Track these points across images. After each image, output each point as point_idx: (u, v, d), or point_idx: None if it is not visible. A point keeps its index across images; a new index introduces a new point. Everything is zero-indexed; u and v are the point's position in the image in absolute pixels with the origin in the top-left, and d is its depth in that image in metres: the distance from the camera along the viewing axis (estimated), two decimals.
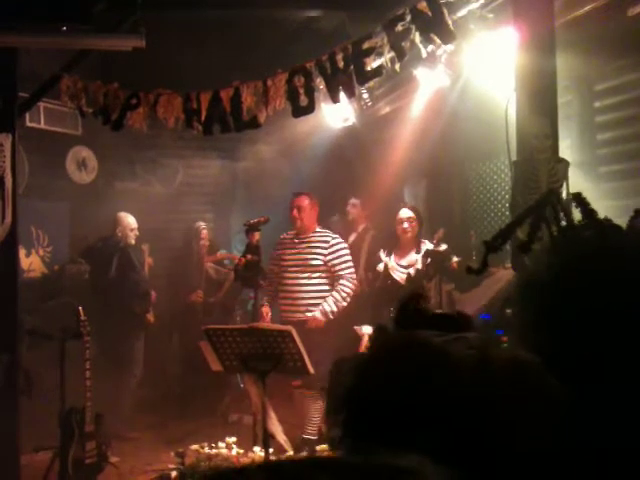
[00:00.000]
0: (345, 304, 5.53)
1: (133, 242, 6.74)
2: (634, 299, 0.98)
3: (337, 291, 5.53)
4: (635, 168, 5.12)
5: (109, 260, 6.54)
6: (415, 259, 5.57)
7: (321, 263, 5.54)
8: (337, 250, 5.59)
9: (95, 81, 5.13)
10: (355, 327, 5.24)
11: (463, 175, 6.12)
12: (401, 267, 5.65)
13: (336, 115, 6.45)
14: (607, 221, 1.29)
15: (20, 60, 5.07)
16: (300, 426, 5.53)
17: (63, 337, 4.99)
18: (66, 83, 5.12)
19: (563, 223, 1.60)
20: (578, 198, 1.51)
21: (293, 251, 5.65)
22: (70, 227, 7.42)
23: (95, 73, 5.35)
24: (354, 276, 5.65)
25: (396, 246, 5.75)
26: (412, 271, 5.54)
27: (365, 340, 5.01)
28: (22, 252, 6.63)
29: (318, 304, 5.53)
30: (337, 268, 5.56)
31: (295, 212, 5.66)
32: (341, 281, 5.54)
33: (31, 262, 6.94)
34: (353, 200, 6.94)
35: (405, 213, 5.76)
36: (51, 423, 4.92)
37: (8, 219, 4.93)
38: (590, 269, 1.05)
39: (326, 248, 5.56)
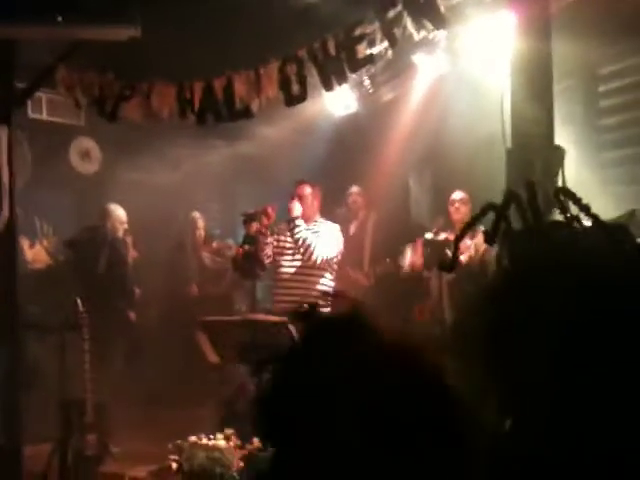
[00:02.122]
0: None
1: (121, 235, 6.68)
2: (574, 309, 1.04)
3: None
4: None
5: (97, 254, 6.46)
6: (468, 245, 5.29)
7: None
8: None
9: (92, 70, 5.11)
10: None
11: (465, 164, 6.00)
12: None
13: (338, 102, 6.36)
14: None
15: (17, 51, 5.05)
16: None
17: (62, 329, 4.99)
18: (62, 74, 5.10)
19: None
20: (566, 192, 1.50)
21: (291, 239, 5.38)
22: (75, 218, 7.43)
23: (92, 61, 5.31)
24: (331, 258, 5.34)
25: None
26: (462, 258, 5.20)
27: None
28: (26, 243, 6.65)
29: (313, 294, 5.20)
30: None
31: (297, 201, 5.41)
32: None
33: (35, 253, 6.95)
34: (354, 189, 6.76)
35: (457, 195, 5.76)
36: (53, 413, 4.94)
37: (5, 212, 4.94)
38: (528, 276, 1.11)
39: None
